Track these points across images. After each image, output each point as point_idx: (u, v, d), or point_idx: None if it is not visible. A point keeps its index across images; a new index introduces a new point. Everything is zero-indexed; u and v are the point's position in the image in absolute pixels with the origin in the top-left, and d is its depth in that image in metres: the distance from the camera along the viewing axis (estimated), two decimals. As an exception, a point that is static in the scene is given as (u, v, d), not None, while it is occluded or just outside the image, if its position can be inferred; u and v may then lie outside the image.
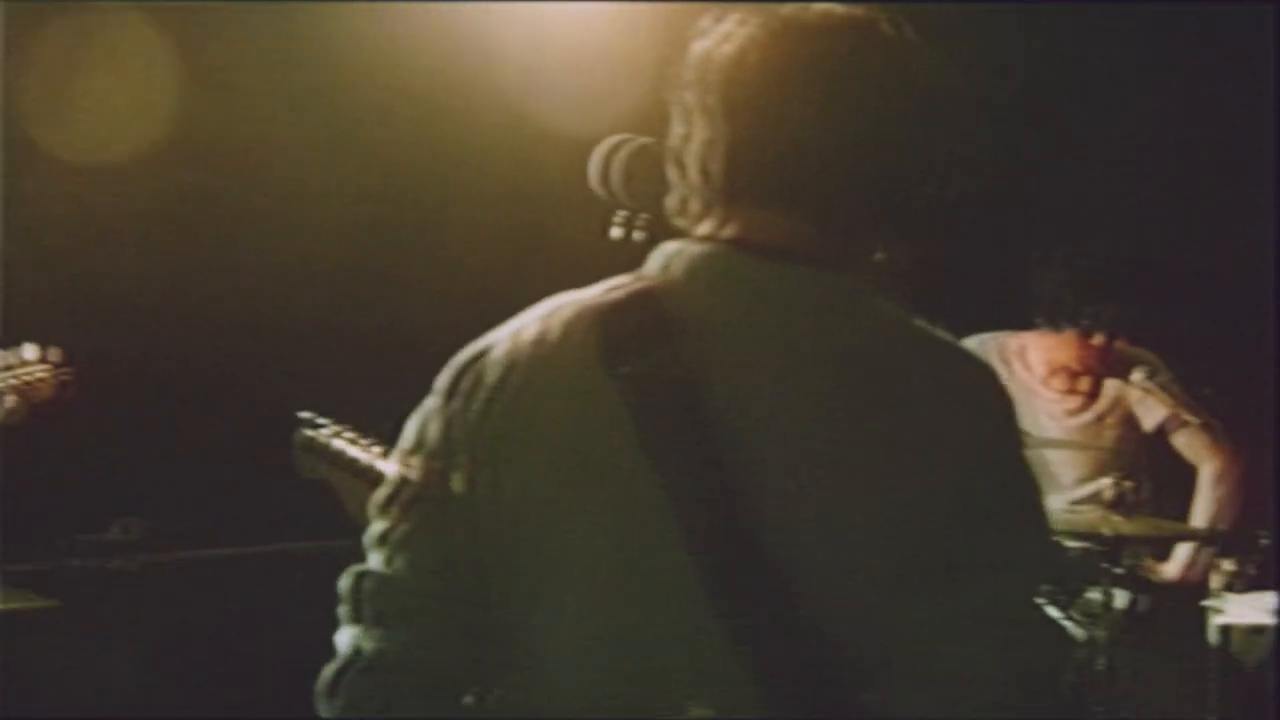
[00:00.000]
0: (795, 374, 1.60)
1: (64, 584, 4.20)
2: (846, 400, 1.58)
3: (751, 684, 1.55)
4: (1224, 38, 5.02)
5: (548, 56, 4.57)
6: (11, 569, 3.93)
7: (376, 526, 1.76)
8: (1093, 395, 4.51)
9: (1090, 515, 4.06)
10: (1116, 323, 4.33)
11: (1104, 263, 4.30)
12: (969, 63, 1.79)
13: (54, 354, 3.58)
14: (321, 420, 2.97)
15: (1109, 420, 4.50)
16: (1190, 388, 4.42)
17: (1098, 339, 4.36)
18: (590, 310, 1.70)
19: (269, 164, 4.67)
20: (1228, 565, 4.01)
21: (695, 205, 1.73)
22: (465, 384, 1.73)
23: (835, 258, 1.67)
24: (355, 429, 2.75)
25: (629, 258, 1.78)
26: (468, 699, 1.78)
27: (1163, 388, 4.29)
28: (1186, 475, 4.46)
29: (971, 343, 4.56)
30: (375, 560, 1.75)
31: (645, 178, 2.23)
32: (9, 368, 3.52)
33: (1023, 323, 4.48)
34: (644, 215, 2.39)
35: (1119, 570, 3.92)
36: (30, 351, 3.55)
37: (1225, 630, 3.91)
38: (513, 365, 1.70)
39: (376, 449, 2.66)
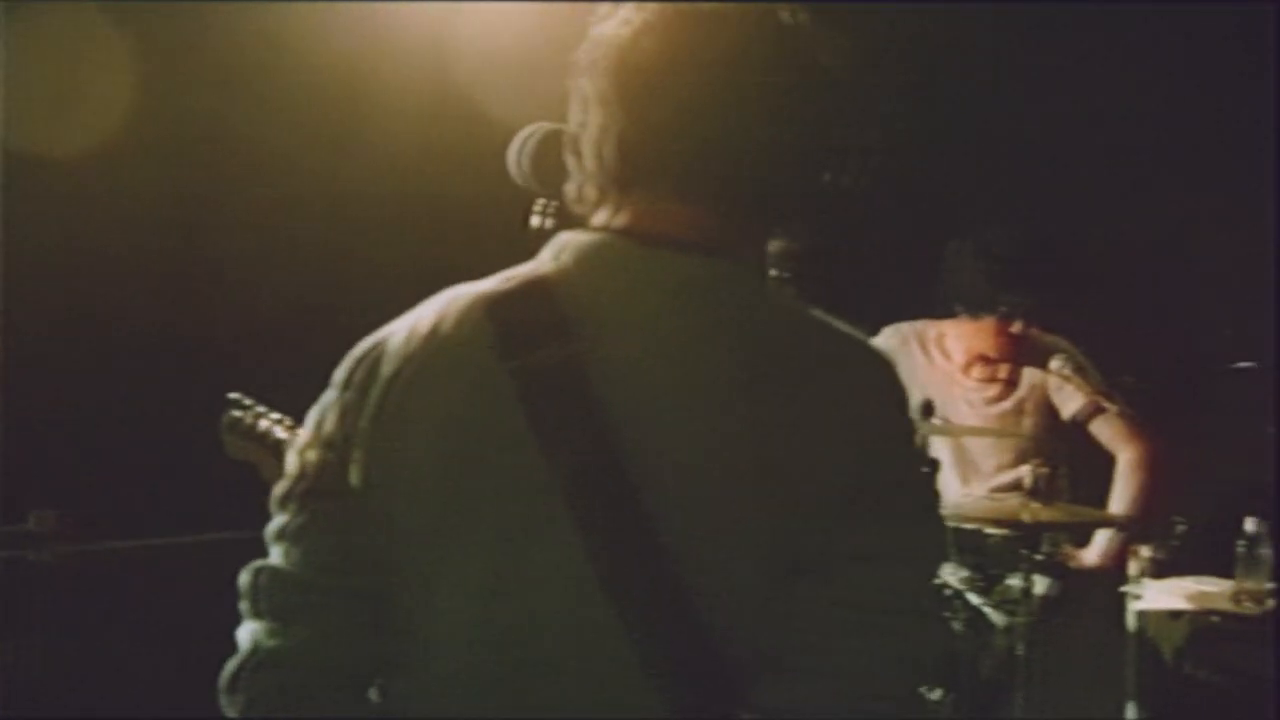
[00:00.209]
0: (685, 363, 1.58)
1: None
2: (737, 390, 1.56)
3: (641, 671, 1.54)
4: (1132, 19, 5.06)
5: (547, 56, 4.54)
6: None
7: (275, 520, 1.75)
8: (1011, 383, 4.53)
9: (1010, 502, 4.07)
10: (1034, 310, 4.36)
11: (1020, 250, 4.31)
12: (871, 51, 1.78)
13: None
14: (249, 401, 2.94)
15: (1028, 408, 4.53)
16: (1111, 375, 4.46)
17: (1016, 327, 4.39)
18: (483, 301, 1.68)
19: (260, 163, 4.62)
20: (1145, 551, 4.06)
21: (591, 192, 1.72)
22: (359, 375, 1.72)
23: (729, 246, 1.65)
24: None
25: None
26: (370, 693, 1.76)
27: (1080, 375, 4.32)
28: (1104, 462, 4.50)
29: (889, 331, 4.59)
30: (274, 554, 1.74)
31: (553, 165, 2.22)
32: None
33: (943, 311, 4.50)
34: (554, 203, 2.37)
35: (1039, 557, 3.94)
36: None
37: (1142, 615, 3.95)
38: (407, 357, 1.69)
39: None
